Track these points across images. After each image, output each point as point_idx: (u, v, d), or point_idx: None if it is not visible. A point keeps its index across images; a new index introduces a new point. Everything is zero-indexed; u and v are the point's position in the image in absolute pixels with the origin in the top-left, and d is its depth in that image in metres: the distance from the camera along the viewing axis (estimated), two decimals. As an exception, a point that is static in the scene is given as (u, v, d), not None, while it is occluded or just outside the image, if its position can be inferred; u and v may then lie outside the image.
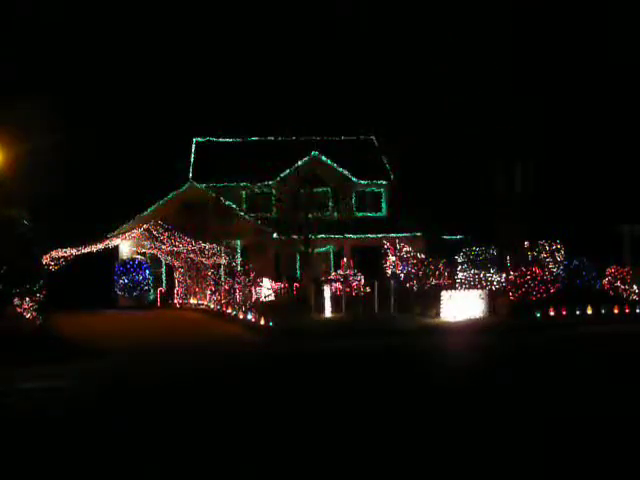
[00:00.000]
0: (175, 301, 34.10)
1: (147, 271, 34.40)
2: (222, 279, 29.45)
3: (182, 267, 33.81)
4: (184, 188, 35.49)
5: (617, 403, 9.30)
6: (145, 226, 29.73)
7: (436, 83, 33.87)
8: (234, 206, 35.77)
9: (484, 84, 30.81)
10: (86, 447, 7.53)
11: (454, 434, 7.83)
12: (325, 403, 9.65)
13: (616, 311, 23.20)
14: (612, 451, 7.09)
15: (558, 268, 25.97)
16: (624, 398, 9.62)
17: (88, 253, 29.50)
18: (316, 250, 33.61)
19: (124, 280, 33.89)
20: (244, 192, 38.31)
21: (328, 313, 23.43)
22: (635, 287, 26.49)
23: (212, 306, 29.16)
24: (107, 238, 30.97)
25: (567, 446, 7.27)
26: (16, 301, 17.01)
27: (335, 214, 35.62)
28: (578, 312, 22.59)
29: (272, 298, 28.36)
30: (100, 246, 29.85)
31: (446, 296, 22.02)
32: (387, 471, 6.57)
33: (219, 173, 38.00)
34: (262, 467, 6.75)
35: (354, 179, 38.74)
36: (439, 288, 23.95)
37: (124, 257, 34.50)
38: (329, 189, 37.06)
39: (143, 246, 32.80)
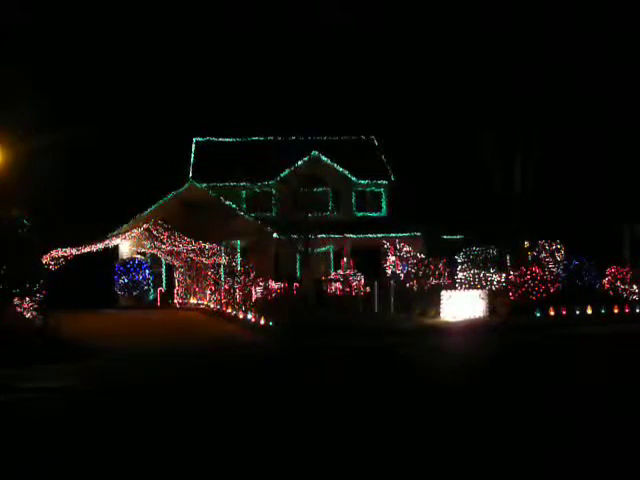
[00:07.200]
0: (175, 301, 34.12)
1: (147, 271, 34.41)
2: (222, 279, 29.47)
3: (182, 267, 33.83)
4: (184, 188, 35.49)
5: (615, 401, 9.34)
6: (145, 226, 29.75)
7: (436, 83, 33.93)
8: (234, 206, 35.78)
9: (484, 83, 30.84)
10: (84, 447, 7.54)
11: (448, 432, 7.85)
12: (324, 403, 9.67)
13: (616, 311, 23.19)
14: (611, 451, 7.10)
15: (558, 268, 25.99)
16: (622, 397, 9.66)
17: (88, 253, 29.52)
18: (316, 250, 33.62)
19: (124, 280, 33.90)
20: (244, 192, 38.33)
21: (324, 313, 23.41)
22: (635, 287, 26.49)
23: (212, 306, 29.18)
24: (107, 238, 30.97)
25: (565, 445, 7.28)
26: (16, 301, 17.01)
27: (335, 214, 35.63)
28: (578, 312, 22.58)
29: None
30: (100, 246, 29.87)
31: (446, 296, 22.01)
32: (387, 471, 6.59)
33: (219, 173, 38.01)
34: (262, 466, 6.76)
35: (354, 179, 38.76)
36: (439, 288, 23.94)
37: (124, 257, 34.50)
38: (329, 189, 37.11)
39: (143, 246, 32.83)
